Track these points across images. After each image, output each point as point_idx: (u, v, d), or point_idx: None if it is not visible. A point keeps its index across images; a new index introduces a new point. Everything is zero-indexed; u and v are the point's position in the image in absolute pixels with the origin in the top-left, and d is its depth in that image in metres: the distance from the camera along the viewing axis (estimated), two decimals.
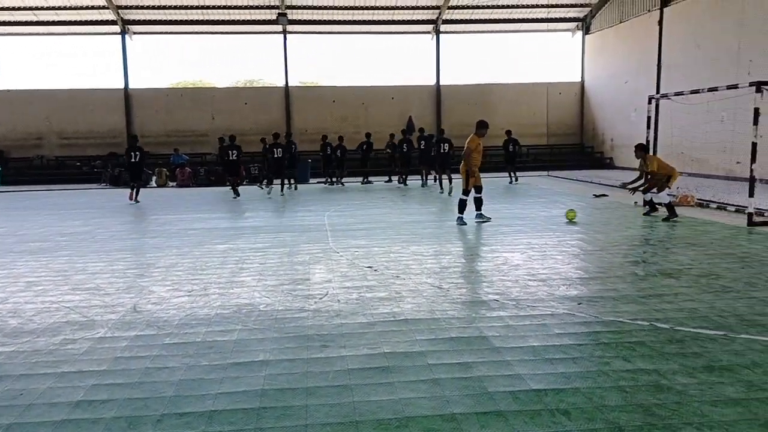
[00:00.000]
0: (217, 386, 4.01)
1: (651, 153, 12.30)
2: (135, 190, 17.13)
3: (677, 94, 12.71)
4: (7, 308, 5.97)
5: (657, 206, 11.77)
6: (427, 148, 19.58)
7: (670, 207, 11.11)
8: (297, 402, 3.75)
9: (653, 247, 8.68)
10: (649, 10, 24.15)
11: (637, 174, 12.17)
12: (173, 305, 6.00)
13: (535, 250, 8.45)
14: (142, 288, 6.75)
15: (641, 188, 11.78)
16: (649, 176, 11.52)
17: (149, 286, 6.85)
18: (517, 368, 4.16)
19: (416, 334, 4.96)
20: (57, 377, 4.21)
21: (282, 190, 19.11)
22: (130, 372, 4.29)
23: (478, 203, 11.29)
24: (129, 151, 17.48)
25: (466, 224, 10.93)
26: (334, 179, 22.22)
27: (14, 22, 26.91)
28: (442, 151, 18.41)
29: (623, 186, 12.59)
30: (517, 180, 20.88)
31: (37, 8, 26.03)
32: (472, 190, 11.16)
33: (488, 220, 11.20)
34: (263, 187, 19.85)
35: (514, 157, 21.57)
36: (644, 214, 11.91)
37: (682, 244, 8.75)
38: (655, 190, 11.50)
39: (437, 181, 18.78)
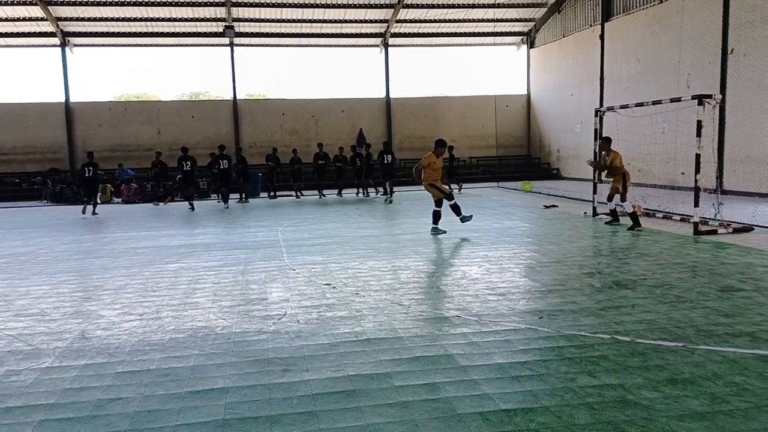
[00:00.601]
0: (175, 417, 3.82)
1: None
2: (92, 204, 18.05)
3: (623, 107, 13.05)
4: None
5: (619, 216, 12.01)
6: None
7: (634, 216, 11.33)
8: (261, 431, 3.60)
9: (606, 258, 8.84)
10: (591, 25, 24.88)
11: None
12: (124, 330, 5.74)
13: (492, 263, 8.49)
14: (90, 312, 6.44)
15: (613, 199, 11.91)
16: (607, 168, 11.78)
17: (98, 310, 6.55)
18: (485, 387, 4.12)
19: (380, 354, 4.87)
20: (1, 413, 3.94)
21: (226, 202, 19.61)
22: (81, 405, 4.05)
23: (456, 209, 11.47)
24: (84, 166, 18.14)
25: (440, 233, 11.25)
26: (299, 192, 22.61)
27: None
28: (385, 162, 20.75)
29: (589, 163, 12.96)
30: (460, 189, 21.98)
31: None
32: (442, 201, 11.35)
33: (444, 232, 11.30)
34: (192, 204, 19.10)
35: (453, 171, 23.03)
36: (606, 223, 12.15)
37: (633, 254, 8.95)
38: (617, 197, 11.71)
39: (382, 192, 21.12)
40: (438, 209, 11.45)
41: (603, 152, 12.13)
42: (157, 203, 20.96)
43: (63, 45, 26.90)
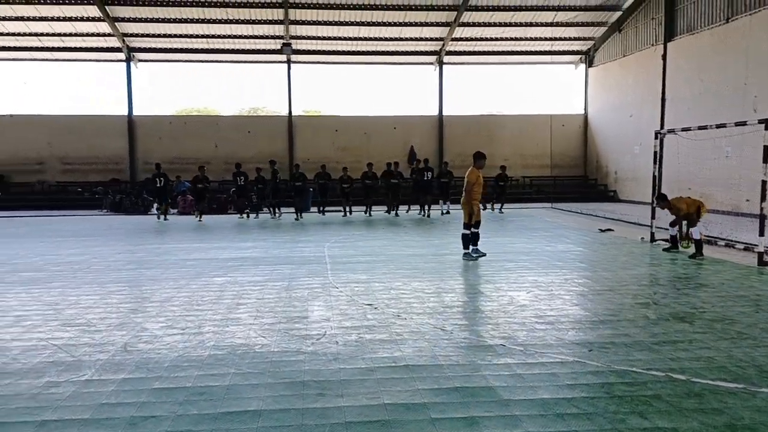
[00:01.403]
0: None
1: (669, 197, 11.81)
2: (164, 211, 20.12)
3: (684, 129, 12.56)
4: None
5: (679, 244, 11.48)
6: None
7: (698, 244, 10.82)
8: None
9: (663, 288, 8.42)
10: (653, 44, 24.20)
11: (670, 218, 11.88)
12: (165, 344, 5.75)
13: (542, 289, 8.21)
14: (135, 325, 6.50)
15: (677, 226, 11.41)
16: (684, 219, 11.24)
17: (142, 322, 6.60)
18: (527, 425, 3.90)
19: (418, 382, 4.70)
20: (36, 426, 3.95)
21: (274, 215, 20.84)
22: (114, 422, 4.03)
23: (476, 238, 11.01)
24: (155, 177, 20.35)
25: (474, 259, 10.70)
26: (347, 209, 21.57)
27: (20, 47, 27.06)
28: (425, 179, 20.92)
29: (676, 241, 11.72)
30: (501, 211, 22.06)
31: (42, 34, 26.18)
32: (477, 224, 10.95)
33: (484, 255, 10.90)
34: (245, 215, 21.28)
35: (504, 190, 22.93)
36: (664, 250, 11.66)
37: (692, 285, 8.51)
38: (684, 224, 11.22)
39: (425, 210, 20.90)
40: (476, 231, 10.91)
41: (667, 210, 11.57)
42: (199, 217, 20.52)
43: (128, 60, 27.88)
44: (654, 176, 13.09)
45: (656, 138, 13.19)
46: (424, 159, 22.58)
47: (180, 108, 33.06)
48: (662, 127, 21.64)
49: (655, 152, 13.08)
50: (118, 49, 27.49)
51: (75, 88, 30.76)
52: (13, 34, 26.15)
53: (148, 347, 5.68)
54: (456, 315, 6.87)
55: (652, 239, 12.90)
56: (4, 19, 25.12)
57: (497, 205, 22.62)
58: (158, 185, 20.52)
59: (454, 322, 6.50)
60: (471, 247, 10.87)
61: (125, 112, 28.25)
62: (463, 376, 4.84)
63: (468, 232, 10.88)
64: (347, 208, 21.18)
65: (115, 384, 4.72)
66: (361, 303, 7.42)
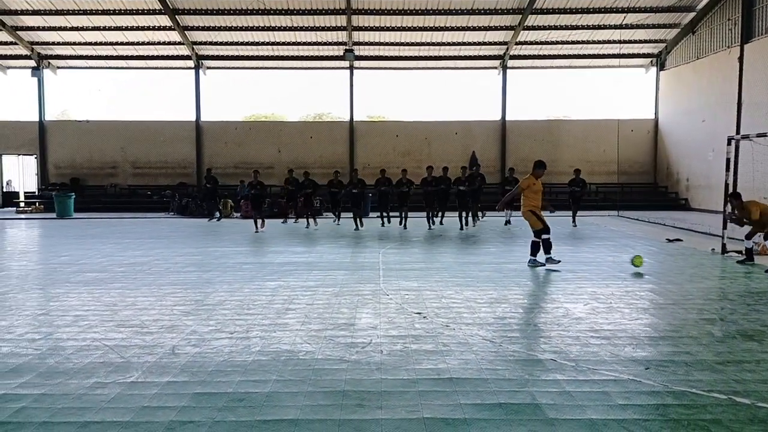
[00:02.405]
0: None
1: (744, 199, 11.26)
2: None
3: (760, 135, 11.86)
4: (48, 345, 5.91)
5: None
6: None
7: (749, 252, 10.31)
8: None
9: (732, 303, 7.92)
10: (728, 47, 23.08)
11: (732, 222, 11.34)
12: (212, 348, 5.80)
13: (600, 302, 7.87)
14: (185, 327, 6.60)
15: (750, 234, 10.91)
16: (752, 224, 10.71)
17: (193, 325, 6.69)
18: None
19: (461, 396, 4.54)
20: (78, 428, 4.02)
21: (311, 224, 19.32)
22: (154, 425, 4.06)
23: (536, 247, 10.72)
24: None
25: (543, 265, 10.55)
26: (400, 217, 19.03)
27: (96, 56, 28.32)
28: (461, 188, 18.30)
29: (730, 219, 11.38)
30: (575, 224, 18.88)
31: (116, 43, 27.33)
32: (534, 233, 10.65)
33: (543, 264, 10.61)
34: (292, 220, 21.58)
35: (579, 198, 19.68)
36: (738, 262, 11.05)
37: (764, 300, 7.97)
38: (760, 235, 10.73)
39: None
40: (537, 240, 10.74)
41: (736, 210, 11.05)
42: (258, 228, 18.09)
43: (197, 67, 28.74)
44: (726, 184, 12.42)
45: (729, 144, 12.50)
46: (462, 166, 20.11)
47: (246, 114, 33.80)
48: (738, 132, 20.55)
49: (728, 159, 12.41)
50: (187, 57, 28.40)
51: (148, 94, 31.88)
52: (90, 44, 27.41)
53: (195, 350, 5.73)
54: (507, 327, 6.66)
55: (724, 251, 12.22)
56: (81, 29, 26.38)
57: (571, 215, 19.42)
58: (207, 188, 21.95)
59: (504, 334, 6.29)
60: (545, 255, 10.67)
61: (193, 118, 29.12)
62: (508, 391, 4.65)
63: (538, 239, 10.66)
64: (404, 215, 18.51)
65: (159, 387, 4.77)
66: (410, 311, 7.30)
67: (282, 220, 21.40)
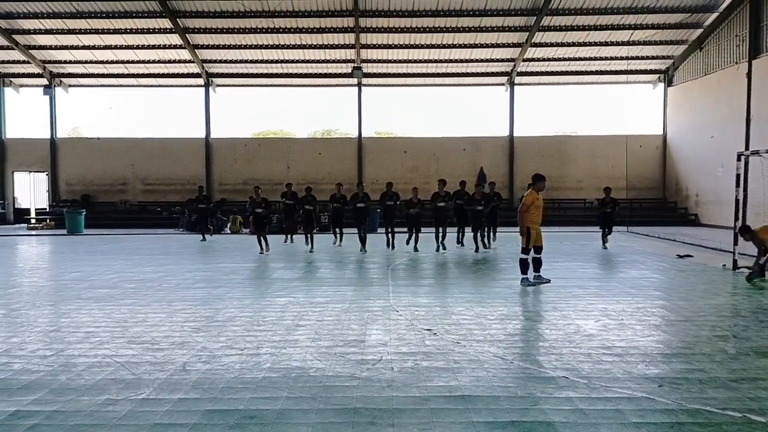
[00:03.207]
0: None
1: (754, 228, 11.13)
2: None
3: None
4: (60, 361, 5.93)
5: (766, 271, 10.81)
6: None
7: (761, 266, 10.26)
8: None
9: (745, 320, 7.85)
10: (736, 62, 23.11)
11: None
12: (223, 365, 5.80)
13: (612, 318, 7.82)
14: (196, 344, 6.60)
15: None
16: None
17: (203, 341, 6.70)
18: None
19: (473, 414, 4.51)
20: None
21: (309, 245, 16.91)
22: None
23: (537, 264, 10.63)
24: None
25: (533, 284, 10.35)
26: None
27: (107, 74, 28.63)
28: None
29: (763, 269, 10.78)
30: (605, 245, 16.97)
31: (127, 62, 27.63)
32: (532, 249, 10.52)
33: (548, 281, 10.52)
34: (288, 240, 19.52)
35: (610, 216, 17.46)
36: (747, 278, 10.93)
37: None
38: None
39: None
40: (537, 256, 10.54)
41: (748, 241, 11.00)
42: (264, 250, 16.30)
43: (207, 85, 29.00)
44: (737, 200, 12.37)
45: (739, 160, 12.47)
46: (461, 181, 18.04)
47: (255, 131, 34.00)
48: (747, 148, 20.51)
49: (738, 175, 12.36)
50: (197, 75, 28.67)
51: (157, 112, 32.15)
52: (102, 62, 27.74)
53: (206, 367, 5.73)
54: (518, 343, 6.63)
55: (735, 266, 12.14)
56: (93, 47, 26.72)
57: (605, 236, 17.26)
58: (200, 208, 21.09)
59: (515, 351, 6.26)
60: (532, 274, 10.51)
61: (203, 135, 29.32)
62: (521, 409, 4.62)
63: (526, 256, 10.46)
64: (415, 237, 16.42)
65: (170, 404, 4.77)
66: (421, 328, 7.28)
67: (284, 240, 19.31)
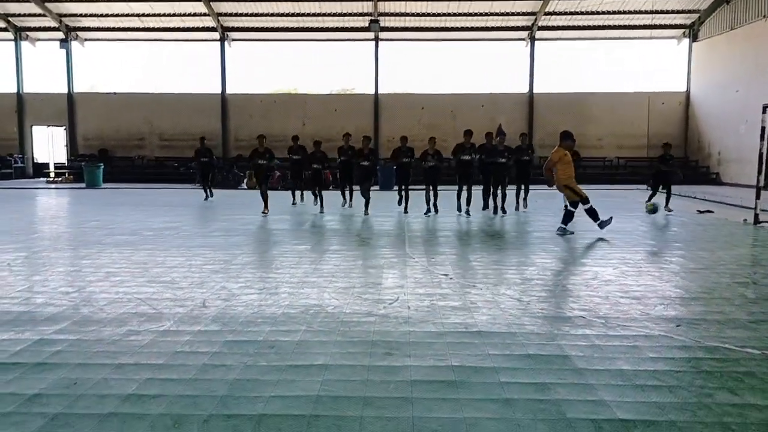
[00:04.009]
0: (271, 389, 3.77)
1: None
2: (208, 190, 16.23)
3: None
4: (83, 297, 6.03)
5: None
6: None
7: None
8: (352, 412, 3.44)
9: (765, 268, 7.78)
10: (765, 16, 22.41)
11: None
12: (242, 302, 5.86)
13: (629, 266, 7.77)
14: (215, 284, 6.67)
15: None
16: None
17: (222, 282, 6.77)
18: (602, 393, 3.67)
19: (489, 348, 4.54)
20: (113, 368, 4.10)
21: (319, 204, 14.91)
22: (187, 368, 4.13)
23: (569, 217, 10.59)
24: (197, 152, 18.36)
25: (572, 233, 10.40)
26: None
27: (123, 27, 28.45)
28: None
29: None
30: (668, 208, 14.51)
31: (143, 15, 27.41)
32: (578, 203, 10.49)
33: (571, 233, 10.48)
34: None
35: (667, 176, 15.20)
36: None
37: None
38: None
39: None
40: (573, 210, 10.63)
41: None
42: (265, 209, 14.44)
43: (222, 39, 28.75)
44: (761, 153, 12.12)
45: (764, 112, 12.17)
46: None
47: (271, 88, 33.74)
48: None
49: (763, 128, 12.08)
50: (213, 29, 28.40)
51: (173, 67, 32.00)
52: (117, 15, 27.55)
53: (225, 304, 5.80)
54: (534, 287, 6.62)
55: (756, 221, 11.99)
56: (109, 0, 26.49)
57: (659, 199, 14.87)
58: (202, 162, 18.47)
59: (532, 294, 6.25)
60: (598, 221, 10.52)
61: (219, 91, 29.20)
62: (537, 344, 4.63)
63: (574, 210, 10.55)
64: (433, 194, 13.89)
65: (190, 335, 4.84)
66: (437, 273, 7.30)
67: (291, 201, 17.12)
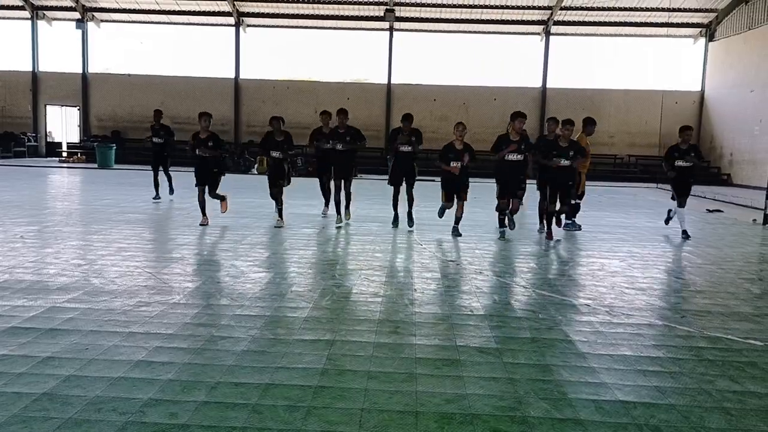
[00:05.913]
0: (278, 360, 3.84)
1: None
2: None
3: None
4: (94, 269, 6.12)
5: None
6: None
7: None
8: (357, 384, 3.50)
9: None
10: None
11: None
12: (251, 279, 5.94)
13: (636, 259, 7.79)
14: (225, 261, 6.76)
15: None
16: None
17: (231, 259, 6.85)
18: (604, 377, 3.72)
19: (494, 330, 4.59)
20: (124, 336, 4.19)
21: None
22: (195, 338, 4.21)
23: (575, 210, 10.53)
24: (152, 132, 13.73)
25: (574, 230, 10.21)
26: None
27: (139, 9, 28.53)
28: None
29: None
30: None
31: None
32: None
33: (579, 228, 10.40)
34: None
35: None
36: None
37: None
38: None
39: None
40: (579, 202, 10.47)
41: None
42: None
43: (237, 25, 28.77)
44: None
45: None
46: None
47: (284, 75, 33.75)
48: None
49: None
50: (228, 14, 28.41)
51: (187, 51, 32.03)
52: None
53: (235, 281, 5.88)
54: (541, 276, 6.66)
55: (766, 221, 11.96)
56: None
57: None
58: (154, 140, 13.56)
59: (538, 282, 6.30)
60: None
61: (232, 75, 29.25)
62: (541, 328, 4.68)
63: (579, 201, 10.38)
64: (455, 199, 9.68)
65: (200, 308, 4.92)
66: (444, 259, 7.35)
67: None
